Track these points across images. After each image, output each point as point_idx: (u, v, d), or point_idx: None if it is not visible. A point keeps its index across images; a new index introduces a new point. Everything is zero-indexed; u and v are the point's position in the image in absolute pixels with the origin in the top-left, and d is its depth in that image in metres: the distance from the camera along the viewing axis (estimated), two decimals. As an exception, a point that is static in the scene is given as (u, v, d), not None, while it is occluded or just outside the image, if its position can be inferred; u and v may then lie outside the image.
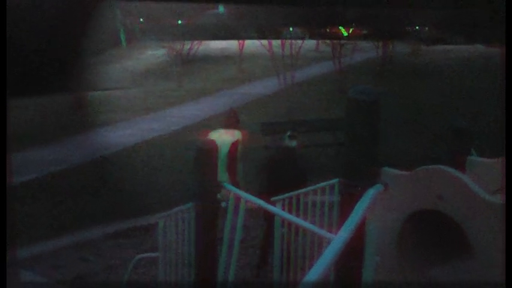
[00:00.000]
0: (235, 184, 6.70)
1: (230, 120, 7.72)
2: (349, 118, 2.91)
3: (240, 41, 31.63)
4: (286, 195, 5.51)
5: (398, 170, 3.92)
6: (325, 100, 18.01)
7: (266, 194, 5.65)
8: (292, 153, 6.95)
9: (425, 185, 3.79)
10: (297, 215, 4.97)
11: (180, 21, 32.87)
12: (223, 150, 7.02)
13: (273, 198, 5.45)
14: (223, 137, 7.22)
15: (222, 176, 6.80)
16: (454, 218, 3.73)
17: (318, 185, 5.41)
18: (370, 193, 2.77)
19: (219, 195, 4.38)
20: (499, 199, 4.06)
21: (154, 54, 29.61)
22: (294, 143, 6.98)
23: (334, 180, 5.01)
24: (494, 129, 10.35)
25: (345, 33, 28.77)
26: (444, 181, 3.75)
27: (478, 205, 3.67)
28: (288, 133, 6.95)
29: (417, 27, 40.93)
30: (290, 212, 5.16)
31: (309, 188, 5.49)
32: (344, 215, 2.66)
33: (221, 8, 35.26)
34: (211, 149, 4.32)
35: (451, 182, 3.75)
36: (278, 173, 6.57)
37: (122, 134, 15.04)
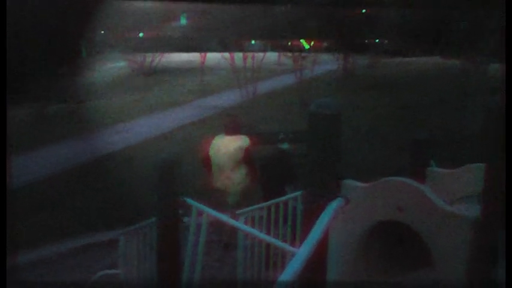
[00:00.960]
0: (247, 191, 6.92)
1: (230, 126, 7.32)
2: (311, 131, 2.92)
3: (202, 54, 31.61)
4: (250, 208, 5.51)
5: (360, 182, 3.96)
6: (286, 112, 18.10)
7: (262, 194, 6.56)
8: (284, 154, 7.50)
9: (385, 197, 3.83)
10: (261, 229, 4.97)
11: (141, 34, 32.71)
12: (224, 157, 6.91)
13: (237, 212, 5.44)
14: (226, 144, 7.01)
15: (218, 182, 6.98)
16: (414, 229, 3.78)
17: (280, 198, 5.42)
18: (332, 206, 2.78)
19: (181, 210, 4.35)
20: (458, 209, 4.13)
21: (115, 66, 29.33)
22: (285, 145, 7.76)
23: (297, 193, 5.03)
24: (453, 140, 10.55)
25: (306, 46, 29.02)
26: (404, 192, 3.80)
27: (437, 215, 3.72)
28: (280, 136, 7.84)
29: (377, 40, 41.62)
30: (254, 225, 5.16)
31: (272, 201, 5.50)
32: (307, 227, 2.66)
33: (183, 20, 35.21)
34: (172, 162, 4.29)
35: (411, 193, 3.80)
36: (271, 173, 7.05)
37: (81, 149, 14.79)
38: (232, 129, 7.16)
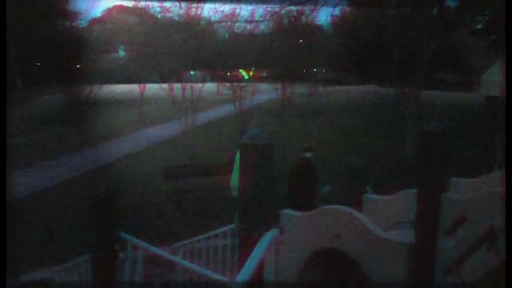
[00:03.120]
0: None
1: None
2: (244, 163, 2.91)
3: (141, 85, 31.39)
4: (188, 241, 5.44)
5: (297, 211, 3.96)
6: (226, 143, 18.12)
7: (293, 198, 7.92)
8: (309, 161, 8.80)
9: (323, 225, 3.84)
10: (197, 261, 4.91)
11: (78, 65, 32.24)
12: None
13: (174, 245, 5.36)
14: None
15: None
16: (352, 256, 3.80)
17: (215, 231, 5.37)
18: (267, 237, 2.77)
19: (116, 246, 4.24)
20: (394, 235, 4.19)
21: (52, 98, 28.71)
22: (309, 154, 8.94)
23: (231, 226, 5.00)
24: (388, 167, 10.77)
25: (246, 76, 29.30)
26: (341, 220, 3.83)
27: (374, 242, 3.75)
28: (306, 145, 9.10)
29: (315, 70, 42.50)
30: (191, 257, 5.09)
31: (206, 234, 5.44)
32: (242, 259, 2.63)
33: (121, 52, 34.94)
34: (108, 198, 4.19)
35: (348, 221, 3.83)
36: (299, 178, 8.51)
37: (16, 183, 14.32)
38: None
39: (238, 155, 7.69)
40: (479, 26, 26.43)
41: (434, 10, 17.78)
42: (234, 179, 8.27)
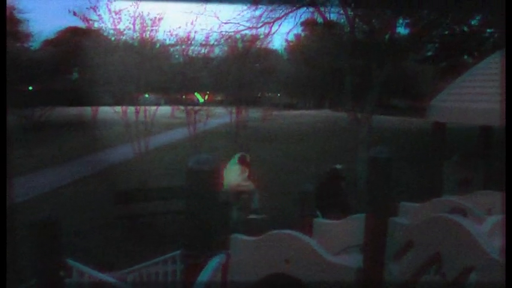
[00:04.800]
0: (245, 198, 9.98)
1: (242, 158, 10.51)
2: (190, 188, 2.89)
3: (94, 107, 30.98)
4: (136, 267, 5.32)
5: (247, 235, 3.94)
6: (179, 166, 17.98)
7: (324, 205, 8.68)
8: (339, 173, 10.04)
9: (273, 250, 3.83)
10: (145, 287, 4.82)
11: (31, 87, 31.63)
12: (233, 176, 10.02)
13: (122, 271, 5.24)
14: (236, 168, 10.19)
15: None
16: (301, 281, 3.79)
17: (161, 257, 5.27)
18: (214, 263, 2.74)
19: (62, 272, 4.13)
20: (342, 259, 4.21)
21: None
22: (339, 166, 10.30)
23: (176, 252, 4.91)
24: (339, 191, 10.86)
25: (201, 100, 29.27)
26: (291, 245, 3.82)
27: (323, 267, 3.76)
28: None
29: (270, 94, 42.86)
30: (140, 283, 4.98)
31: (153, 260, 5.33)
32: (188, 285, 2.60)
33: (74, 74, 34.49)
34: (52, 224, 4.09)
35: (298, 245, 3.83)
36: (330, 188, 9.60)
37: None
38: (243, 161, 10.34)
39: (232, 161, 10.16)
40: (428, 54, 27.23)
41: (386, 37, 18.19)
42: (226, 183, 9.78)
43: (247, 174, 10.26)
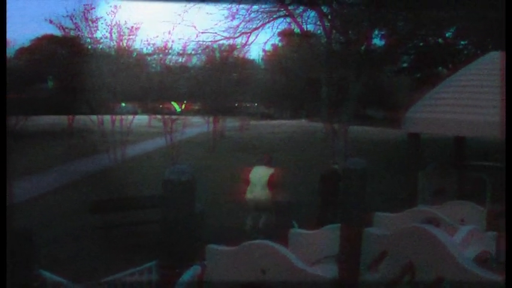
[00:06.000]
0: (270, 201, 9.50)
1: (266, 160, 10.58)
2: (166, 198, 2.89)
3: (70, 116, 30.67)
4: (113, 277, 5.28)
5: (223, 246, 3.95)
6: (156, 175, 17.88)
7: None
8: (336, 172, 10.53)
9: (249, 260, 3.84)
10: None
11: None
12: (260, 180, 9.82)
13: (97, 282, 5.19)
14: (261, 171, 10.09)
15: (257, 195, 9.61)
16: (277, 291, 3.80)
17: (137, 268, 5.21)
18: (189, 274, 2.74)
19: (35, 284, 4.09)
20: (318, 270, 4.23)
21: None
22: (337, 166, 10.97)
23: (151, 263, 4.88)
24: (315, 202, 10.91)
25: (178, 109, 29.23)
26: (267, 255, 3.84)
27: (298, 277, 3.77)
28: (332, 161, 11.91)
29: (247, 104, 42.96)
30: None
31: (128, 271, 5.27)
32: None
33: (50, 83, 34.14)
34: (25, 234, 4.04)
35: (273, 256, 3.84)
36: (327, 186, 10.39)
37: None
38: (268, 162, 10.43)
39: (254, 170, 10.11)
40: (404, 65, 27.59)
41: (362, 48, 18.40)
42: (249, 193, 9.79)
43: (273, 175, 9.92)
